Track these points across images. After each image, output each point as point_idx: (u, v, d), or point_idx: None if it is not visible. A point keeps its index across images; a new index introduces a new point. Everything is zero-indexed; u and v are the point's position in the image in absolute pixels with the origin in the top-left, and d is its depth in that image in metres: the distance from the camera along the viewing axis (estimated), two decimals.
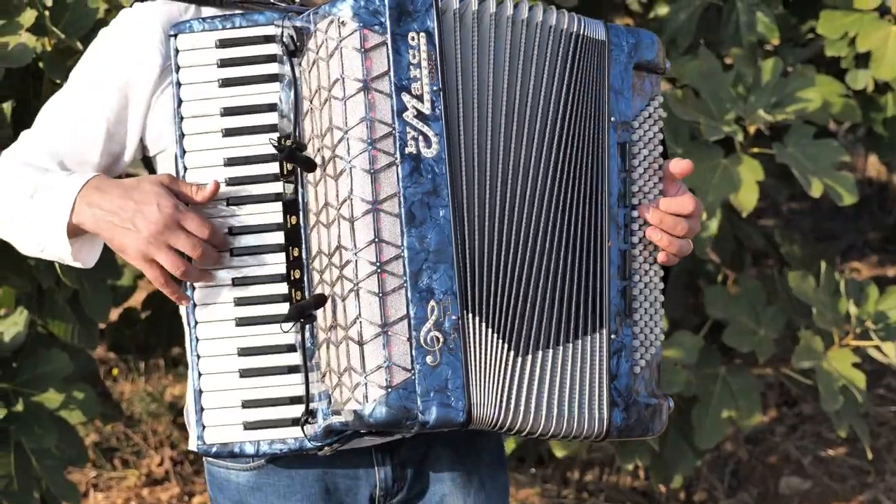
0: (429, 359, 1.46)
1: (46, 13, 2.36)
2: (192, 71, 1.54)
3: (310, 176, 1.51)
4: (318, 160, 1.49)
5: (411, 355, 1.46)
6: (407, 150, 1.46)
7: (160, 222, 1.47)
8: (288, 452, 1.57)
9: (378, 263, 1.45)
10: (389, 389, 1.45)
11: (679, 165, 1.61)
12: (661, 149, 1.62)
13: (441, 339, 1.47)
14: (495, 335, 1.50)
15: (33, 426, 2.57)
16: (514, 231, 1.52)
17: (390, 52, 1.46)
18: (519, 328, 1.52)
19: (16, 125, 2.47)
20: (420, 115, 1.47)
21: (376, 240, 1.45)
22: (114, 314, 3.61)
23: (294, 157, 1.48)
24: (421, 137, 1.47)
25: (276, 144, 1.48)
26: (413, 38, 1.47)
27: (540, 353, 1.53)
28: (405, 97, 1.46)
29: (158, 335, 3.72)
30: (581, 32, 1.57)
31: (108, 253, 2.63)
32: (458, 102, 1.49)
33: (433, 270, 1.46)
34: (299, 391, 1.54)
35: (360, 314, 1.46)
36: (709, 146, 3.03)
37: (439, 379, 1.46)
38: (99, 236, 1.56)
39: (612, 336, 1.56)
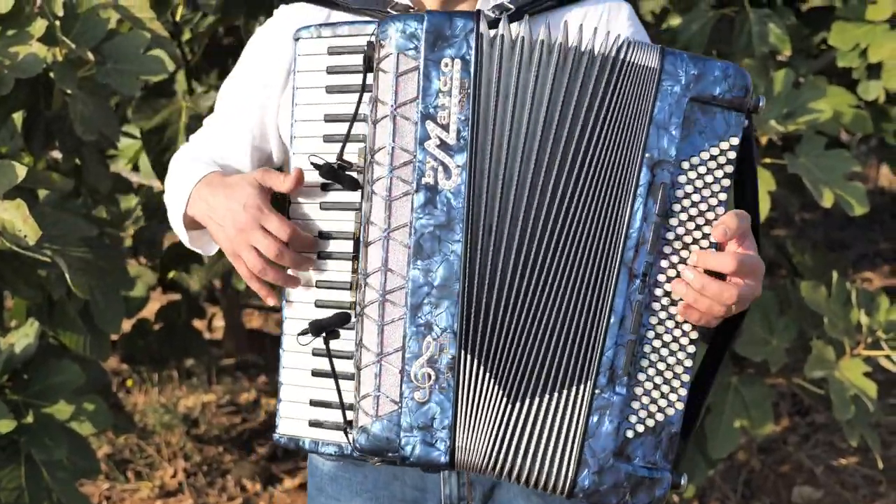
0: (417, 394, 1.45)
1: (57, 23, 2.33)
2: (307, 76, 1.56)
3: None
4: (360, 179, 1.49)
5: (400, 388, 1.44)
6: (423, 180, 1.43)
7: (243, 223, 1.53)
8: (330, 455, 1.57)
9: (382, 292, 1.44)
10: (374, 419, 1.45)
11: (724, 227, 1.40)
12: (723, 195, 1.43)
13: (433, 377, 1.44)
14: (491, 379, 1.45)
15: (44, 438, 2.53)
16: (522, 272, 1.44)
17: (421, 77, 1.42)
18: (514, 374, 1.45)
19: (26, 135, 2.45)
20: (443, 145, 1.42)
21: (383, 268, 1.44)
22: (127, 325, 3.58)
23: (336, 176, 1.48)
24: (441, 168, 1.43)
25: (314, 162, 1.49)
26: (447, 65, 1.43)
27: (528, 401, 1.45)
28: (429, 125, 1.42)
29: (172, 346, 3.70)
30: (625, 59, 1.43)
31: (117, 263, 2.61)
32: (490, 133, 1.43)
33: (435, 306, 1.43)
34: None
35: (361, 339, 1.46)
36: None
37: (426, 416, 1.45)
38: (208, 229, 1.64)
39: (597, 391, 1.44)
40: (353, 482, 1.74)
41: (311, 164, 1.50)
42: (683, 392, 1.45)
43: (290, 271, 1.57)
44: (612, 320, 1.43)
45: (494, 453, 1.45)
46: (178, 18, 3.12)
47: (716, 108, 1.42)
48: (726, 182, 1.43)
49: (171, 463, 3.89)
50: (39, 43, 2.26)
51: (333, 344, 1.54)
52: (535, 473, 1.46)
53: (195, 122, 3.03)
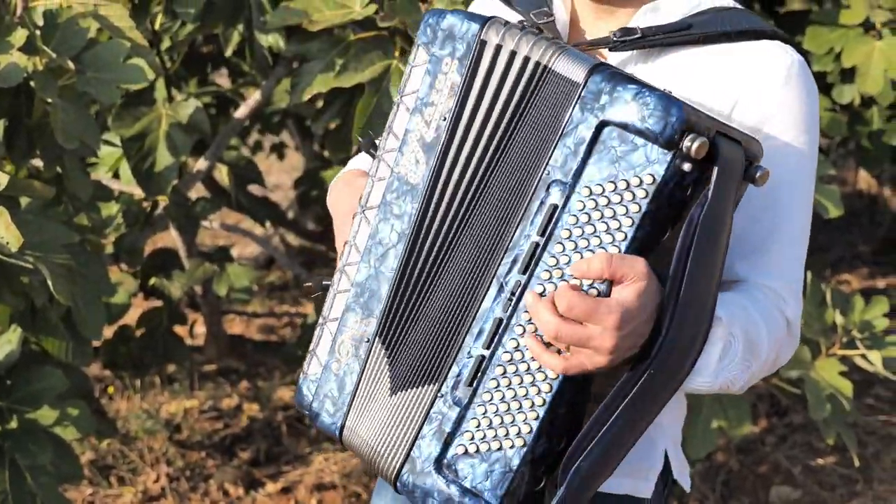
0: (334, 365, 1.54)
1: (37, 32, 2.36)
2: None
3: None
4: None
5: (328, 355, 1.55)
6: (397, 169, 1.49)
7: (345, 216, 1.59)
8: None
9: (343, 263, 1.54)
10: (304, 377, 1.59)
11: (585, 263, 1.29)
12: (620, 235, 1.30)
13: (350, 353, 1.53)
14: (388, 370, 1.49)
15: (28, 443, 2.56)
16: (431, 267, 1.45)
17: (426, 71, 1.47)
18: (403, 368, 1.47)
19: (7, 144, 2.48)
20: (420, 140, 1.47)
21: (351, 241, 1.54)
22: (108, 332, 3.60)
23: (367, 151, 1.57)
24: (414, 161, 1.48)
25: (360, 137, 1.62)
26: (447, 64, 1.44)
27: (399, 392, 1.47)
28: (417, 119, 1.47)
29: (153, 352, 3.72)
30: (551, 67, 1.37)
31: (99, 270, 2.63)
32: (459, 137, 1.43)
33: (374, 289, 1.51)
34: None
35: (325, 304, 1.56)
36: None
37: (336, 388, 1.54)
38: None
39: (440, 395, 1.42)
40: None
41: (359, 137, 1.61)
42: (527, 431, 1.36)
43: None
44: (471, 328, 1.40)
45: (370, 440, 1.50)
46: (157, 27, 3.15)
47: (636, 138, 1.29)
48: (628, 222, 1.29)
49: (154, 468, 3.91)
50: (20, 52, 2.29)
51: None
52: (373, 456, 1.50)
53: (175, 130, 3.07)
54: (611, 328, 1.28)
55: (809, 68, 1.53)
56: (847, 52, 3.22)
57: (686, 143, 1.26)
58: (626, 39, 1.50)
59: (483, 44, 1.42)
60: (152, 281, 3.74)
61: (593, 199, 1.31)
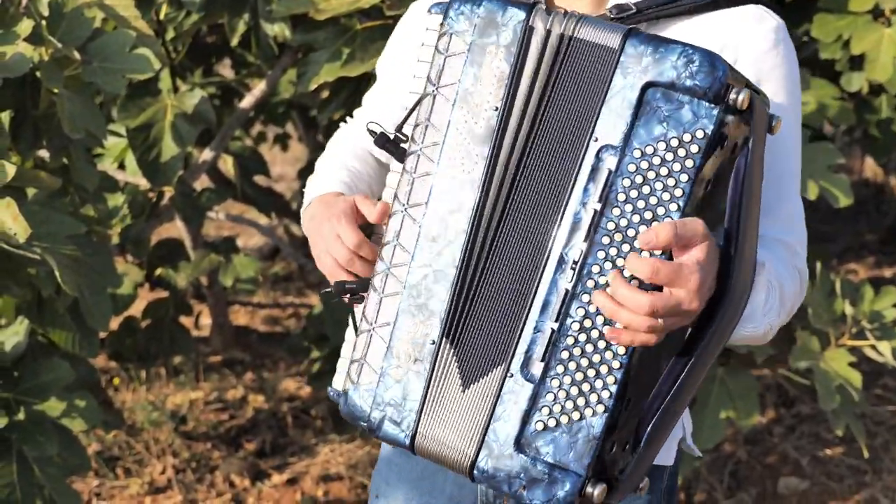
0: (395, 371, 1.46)
1: (43, 23, 2.36)
2: (428, 50, 1.50)
3: None
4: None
5: (383, 362, 1.47)
6: (445, 164, 1.45)
7: (325, 234, 1.57)
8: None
9: (389, 264, 1.48)
10: (355, 386, 1.49)
11: (653, 233, 1.29)
12: (678, 192, 1.32)
13: (412, 358, 1.46)
14: (456, 366, 1.45)
15: (35, 435, 2.56)
16: (489, 256, 1.44)
17: (467, 61, 1.43)
18: (472, 361, 1.45)
19: (14, 135, 2.48)
20: (469, 132, 1.43)
21: (394, 241, 1.47)
22: (114, 323, 3.61)
23: (384, 145, 1.52)
24: (462, 154, 1.44)
25: (370, 129, 1.53)
26: (491, 52, 1.42)
27: (471, 385, 1.45)
28: (462, 109, 1.43)
29: (159, 343, 3.72)
30: (586, 37, 1.38)
31: (106, 261, 2.63)
32: (517, 125, 1.42)
33: (432, 287, 1.45)
34: None
35: (364, 307, 1.50)
36: None
37: (398, 395, 1.47)
38: None
39: (509, 375, 1.41)
40: (402, 469, 1.78)
41: (368, 130, 1.53)
42: (607, 396, 1.36)
43: None
44: (534, 304, 1.39)
45: (444, 438, 1.45)
46: (161, 17, 3.15)
47: (682, 96, 1.32)
48: (685, 178, 1.31)
49: (160, 460, 3.92)
50: (26, 43, 2.29)
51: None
52: (446, 452, 1.46)
53: (180, 120, 3.06)
54: (694, 290, 1.30)
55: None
56: (856, 40, 3.21)
57: (732, 95, 1.31)
58: (623, 16, 1.54)
59: (532, 30, 1.41)
60: (158, 272, 3.74)
61: (646, 160, 1.33)
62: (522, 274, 1.41)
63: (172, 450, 3.97)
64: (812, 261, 3.31)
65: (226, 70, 5.03)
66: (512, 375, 1.41)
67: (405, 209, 1.46)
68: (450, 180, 1.44)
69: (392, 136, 1.51)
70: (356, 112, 1.88)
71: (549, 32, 1.40)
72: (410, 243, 1.46)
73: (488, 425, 1.42)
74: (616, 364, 1.36)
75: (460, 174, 1.43)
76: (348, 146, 1.83)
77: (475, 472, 1.43)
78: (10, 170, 2.15)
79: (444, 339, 1.44)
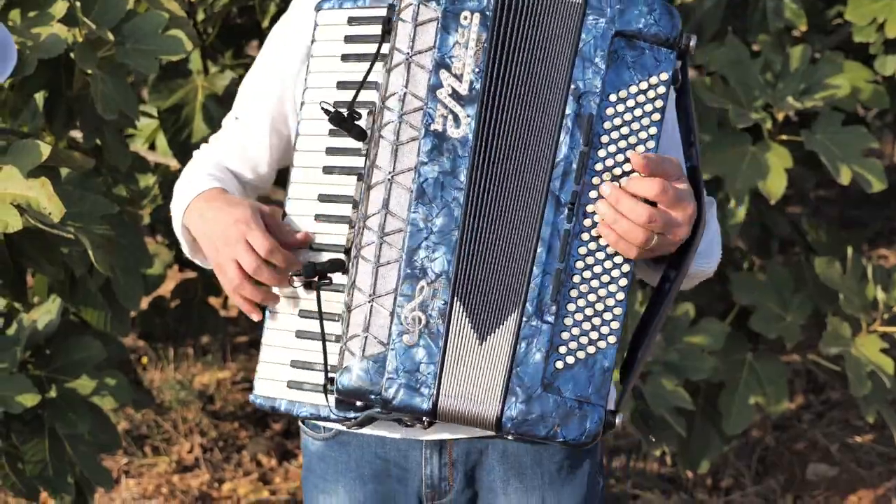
0: (406, 338, 1.46)
1: (77, 4, 2.37)
2: (323, 45, 1.61)
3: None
4: (368, 132, 1.53)
5: (389, 330, 1.47)
6: (432, 127, 1.47)
7: (230, 236, 1.56)
8: (311, 418, 1.61)
9: (381, 233, 1.47)
10: (361, 359, 1.47)
11: (644, 156, 1.44)
12: (654, 130, 1.46)
13: (423, 321, 1.46)
14: (469, 323, 1.47)
15: (67, 412, 2.59)
16: (487, 211, 1.48)
17: (439, 28, 1.47)
18: (484, 315, 1.48)
19: (48, 115, 2.50)
20: (454, 94, 1.47)
21: (384, 210, 1.47)
22: (144, 303, 3.64)
23: (342, 124, 1.52)
24: (451, 116, 1.47)
25: (324, 108, 1.53)
26: (465, 18, 1.47)
27: (486, 339, 1.48)
28: (443, 74, 1.47)
29: (188, 323, 3.76)
30: None
31: (137, 241, 2.66)
32: (500, 86, 1.47)
33: (432, 251, 1.46)
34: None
35: (354, 281, 1.48)
36: (737, 133, 3.03)
37: (412, 361, 1.46)
38: (201, 244, 1.65)
39: (524, 319, 1.46)
40: (338, 461, 1.75)
41: (322, 109, 1.53)
42: (616, 325, 1.47)
43: (274, 289, 1.61)
44: (539, 248, 1.46)
45: (468, 394, 1.47)
46: None
47: (643, 43, 1.46)
48: (657, 117, 1.46)
49: (188, 438, 3.96)
50: (60, 24, 2.31)
51: (327, 306, 1.56)
52: (471, 407, 1.47)
53: (211, 102, 3.09)
54: (689, 215, 1.47)
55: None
56: (890, 22, 3.18)
57: (684, 41, 1.47)
58: None
59: None
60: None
61: (622, 104, 1.46)
62: (524, 222, 1.47)
63: (200, 429, 4.01)
64: (843, 246, 3.32)
65: (256, 52, 5.05)
66: (527, 319, 1.46)
67: (391, 177, 1.47)
68: (441, 142, 1.47)
69: (346, 114, 1.53)
70: (212, 138, 1.86)
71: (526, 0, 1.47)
72: (402, 210, 1.47)
73: (511, 372, 1.46)
74: (620, 296, 1.47)
75: (451, 135, 1.47)
76: (210, 162, 1.80)
77: (504, 420, 1.46)
78: (45, 150, 2.17)
79: (454, 297, 1.46)
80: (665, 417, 3.00)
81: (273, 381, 1.60)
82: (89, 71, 2.36)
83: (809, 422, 4.04)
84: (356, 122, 1.53)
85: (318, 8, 1.61)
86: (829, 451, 3.87)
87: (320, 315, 1.53)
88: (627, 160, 1.46)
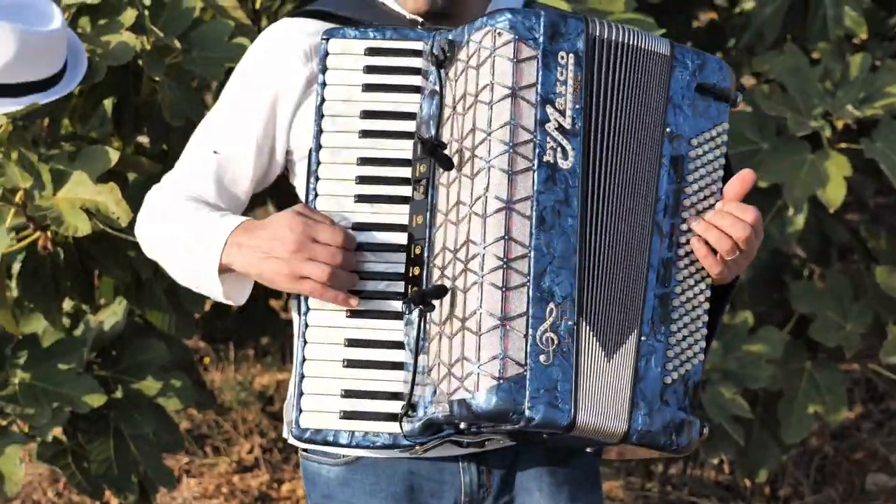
0: (542, 358, 1.48)
1: (146, 13, 2.42)
2: (338, 73, 1.60)
3: (442, 178, 1.55)
4: (455, 161, 1.53)
5: (525, 351, 1.47)
6: (545, 159, 1.50)
7: (294, 241, 1.52)
8: (380, 446, 1.57)
9: (505, 259, 1.48)
10: (501, 381, 1.46)
11: (741, 180, 1.59)
12: (721, 173, 1.61)
13: (555, 341, 1.49)
14: (596, 341, 1.52)
15: (132, 413, 2.63)
16: (604, 236, 1.55)
17: (540, 66, 1.51)
18: (608, 333, 1.54)
19: (116, 121, 2.54)
20: (560, 129, 1.52)
21: (506, 237, 1.48)
22: (206, 305, 3.67)
23: (435, 153, 1.53)
24: (559, 149, 1.52)
25: (422, 138, 1.54)
26: (562, 58, 1.53)
27: (613, 355, 1.54)
28: (549, 109, 1.51)
29: (250, 326, 3.78)
30: (642, 46, 1.59)
31: None
32: (597, 122, 1.55)
33: (556, 275, 1.50)
34: (400, 387, 1.55)
35: (480, 305, 1.48)
36: (796, 141, 3.00)
37: (549, 379, 1.48)
38: (248, 275, 1.61)
39: (643, 338, 1.55)
40: (364, 483, 1.72)
41: (419, 138, 1.55)
42: (703, 344, 1.60)
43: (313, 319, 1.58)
44: (650, 274, 1.56)
45: (604, 411, 1.52)
46: (257, 6, 3.19)
47: (710, 96, 1.62)
48: (722, 160, 1.62)
49: (248, 439, 3.99)
50: (129, 32, 2.35)
51: (366, 334, 1.56)
52: (603, 420, 1.51)
53: None
54: (759, 239, 1.62)
55: None
56: None
57: (736, 97, 1.65)
58: None
59: (594, 40, 1.56)
60: None
61: (700, 148, 1.61)
62: (635, 249, 1.56)
63: (260, 429, 4.04)
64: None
65: None
66: (645, 338, 1.56)
67: (509, 205, 1.49)
68: (553, 172, 1.51)
69: (436, 143, 1.53)
70: (171, 177, 1.77)
71: (608, 41, 1.57)
72: (524, 236, 1.49)
73: (635, 387, 1.54)
74: (705, 317, 1.61)
75: (561, 165, 1.51)
76: (190, 201, 1.70)
77: (631, 432, 1.53)
78: (114, 155, 2.21)
79: (580, 318, 1.51)
80: (723, 426, 2.99)
81: (322, 413, 1.57)
82: (157, 78, 2.40)
83: (869, 431, 3.99)
84: (443, 152, 1.54)
85: (329, 36, 1.61)
86: (888, 460, 3.82)
87: (417, 343, 1.54)
88: (706, 198, 1.60)
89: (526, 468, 1.74)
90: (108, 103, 2.55)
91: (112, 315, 2.72)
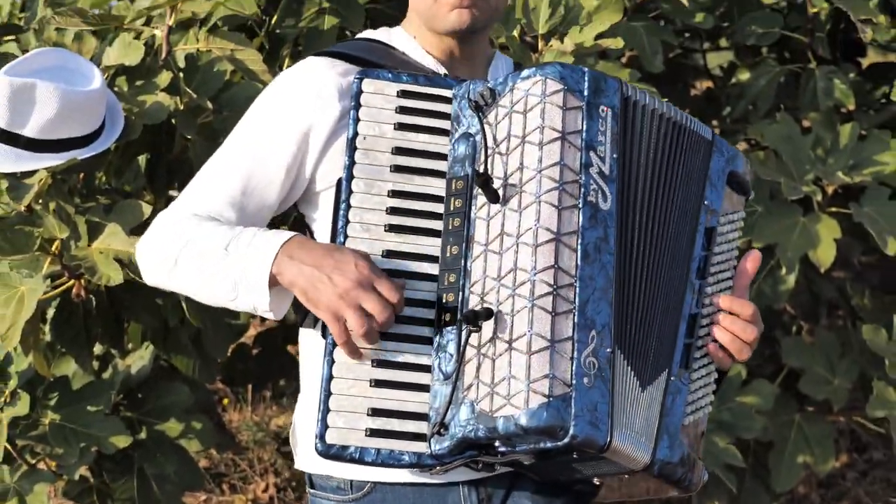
0: (585, 380, 1.48)
1: (180, 75, 2.40)
2: (371, 111, 1.62)
3: (480, 212, 1.57)
4: (500, 194, 1.55)
5: (571, 373, 1.48)
6: (589, 198, 1.54)
7: (356, 279, 1.50)
8: (405, 465, 1.54)
9: (554, 286, 1.50)
10: (550, 398, 1.46)
11: (754, 259, 1.70)
12: (736, 252, 1.71)
13: (596, 366, 1.50)
14: (631, 370, 1.54)
15: (155, 453, 2.59)
16: (641, 278, 1.59)
17: (585, 115, 1.56)
18: (643, 366, 1.57)
19: (149, 176, 2.51)
20: (601, 173, 1.56)
21: (555, 266, 1.50)
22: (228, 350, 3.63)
23: (486, 186, 1.54)
24: (600, 191, 1.56)
25: (479, 173, 1.55)
26: (603, 111, 1.58)
27: (647, 386, 1.57)
28: (592, 155, 1.56)
29: (268, 370, 3.74)
30: (689, 127, 1.68)
31: None
32: (630, 172, 1.59)
33: (597, 304, 1.52)
34: (425, 409, 1.53)
35: (531, 328, 1.48)
36: (788, 205, 2.99)
37: (590, 401, 1.48)
38: (293, 288, 1.55)
39: (672, 377, 1.60)
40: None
41: (476, 173, 1.55)
42: (712, 397, 1.67)
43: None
44: (681, 324, 1.63)
45: (635, 437, 1.53)
46: (284, 68, 3.18)
47: (735, 185, 1.73)
48: (738, 242, 1.73)
49: (263, 478, 3.93)
50: (164, 93, 2.33)
51: (395, 356, 1.54)
52: (632, 446, 1.52)
53: None
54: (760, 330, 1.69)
55: None
56: None
57: (750, 192, 1.78)
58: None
59: (627, 99, 1.61)
60: None
61: (727, 225, 1.71)
62: (671, 297, 1.62)
63: (275, 469, 3.99)
64: (886, 311, 3.24)
65: None
66: (674, 378, 1.60)
67: (558, 237, 1.51)
68: (594, 212, 1.54)
69: (487, 177, 1.53)
70: (191, 195, 1.69)
71: (636, 103, 1.62)
72: (570, 267, 1.51)
73: (661, 419, 1.57)
74: (715, 373, 1.68)
75: (601, 206, 1.55)
76: (208, 220, 1.64)
77: (654, 461, 1.55)
78: (146, 209, 2.19)
79: (615, 346, 1.52)
80: (717, 473, 2.94)
81: (348, 430, 1.53)
82: (189, 136, 2.37)
83: (853, 480, 3.93)
84: (491, 186, 1.55)
85: (364, 76, 1.62)
86: None
87: (460, 361, 1.51)
88: (725, 269, 1.70)
89: (522, 495, 1.70)
90: (141, 159, 2.53)
91: (139, 359, 2.68)
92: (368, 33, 1.84)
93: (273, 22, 2.74)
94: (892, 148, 3.09)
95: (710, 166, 1.70)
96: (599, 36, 2.50)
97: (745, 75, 3.41)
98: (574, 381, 1.48)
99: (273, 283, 1.56)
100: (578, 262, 1.52)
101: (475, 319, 1.50)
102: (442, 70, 1.75)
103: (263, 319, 3.89)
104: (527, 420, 1.46)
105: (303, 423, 1.71)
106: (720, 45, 3.92)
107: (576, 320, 1.50)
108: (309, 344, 1.72)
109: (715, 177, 1.70)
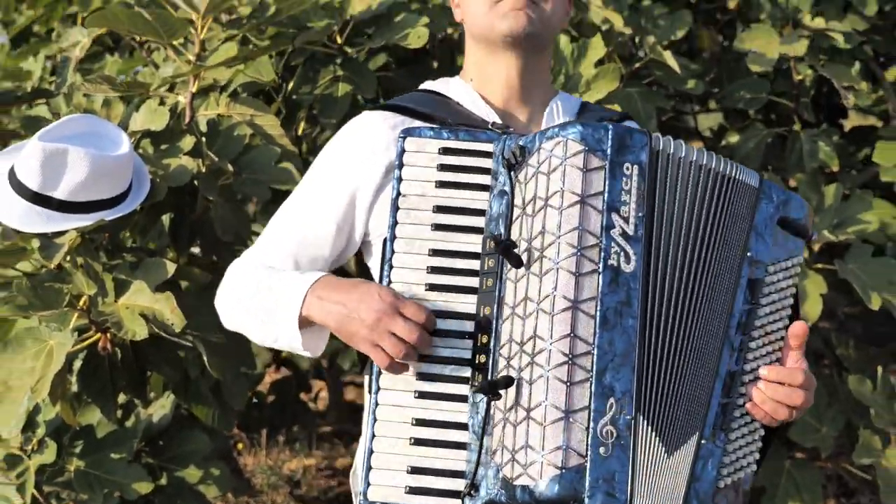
0: (601, 450, 1.44)
1: (203, 139, 2.41)
2: (413, 169, 1.58)
3: (510, 273, 1.52)
4: (524, 259, 1.50)
5: (587, 443, 1.44)
6: (609, 262, 1.47)
7: (381, 310, 1.50)
8: None
9: (570, 356, 1.45)
10: (563, 470, 1.43)
11: (799, 326, 1.57)
12: (791, 301, 1.59)
13: (614, 434, 1.44)
14: (656, 437, 1.47)
15: (175, 499, 2.57)
16: (670, 341, 1.50)
17: (607, 175, 1.48)
18: (670, 431, 1.49)
19: (173, 235, 2.52)
20: (624, 234, 1.48)
21: (571, 334, 1.45)
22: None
23: (508, 253, 1.49)
24: (623, 253, 1.48)
25: (496, 237, 1.51)
26: (627, 168, 1.49)
27: (674, 452, 1.49)
28: (614, 216, 1.48)
29: (282, 417, 3.72)
30: (732, 175, 1.57)
31: (244, 344, 2.65)
32: (658, 231, 1.51)
33: (616, 371, 1.45)
34: (462, 466, 1.51)
35: (546, 398, 1.45)
36: None
37: (608, 470, 1.44)
38: (327, 327, 1.58)
39: (703, 441, 1.51)
40: None
41: (492, 238, 1.52)
42: (757, 455, 1.56)
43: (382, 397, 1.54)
44: (717, 384, 1.53)
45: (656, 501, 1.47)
46: (300, 133, 3.20)
47: (790, 230, 1.60)
48: (793, 290, 1.59)
49: None
50: (187, 156, 2.34)
51: (433, 415, 1.53)
52: None
53: None
54: (812, 390, 1.58)
55: None
56: None
57: (812, 236, 1.64)
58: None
59: (658, 153, 1.52)
60: (284, 354, 3.75)
61: (776, 275, 1.59)
62: (705, 356, 1.52)
63: None
64: (870, 361, 3.23)
65: None
66: (706, 441, 1.51)
67: (575, 305, 1.45)
68: (615, 275, 1.47)
69: (510, 244, 1.50)
70: (259, 245, 1.76)
71: (669, 155, 1.53)
72: (588, 334, 1.45)
73: (690, 486, 1.49)
74: (761, 430, 1.57)
75: (624, 269, 1.47)
76: (264, 269, 1.69)
77: None
78: (170, 268, 2.19)
79: (637, 413, 1.45)
80: None
81: (389, 487, 1.53)
82: (210, 197, 2.38)
83: None
84: (514, 251, 1.51)
85: (407, 134, 1.59)
86: None
87: (483, 427, 1.50)
88: (774, 321, 1.57)
89: None
90: (165, 218, 2.53)
91: (161, 408, 2.67)
92: (428, 84, 1.82)
93: (290, 88, 2.77)
94: (875, 207, 3.09)
95: (757, 215, 1.58)
96: (598, 102, 2.52)
97: (734, 137, 3.42)
98: (589, 452, 1.43)
99: (306, 323, 1.58)
100: (596, 329, 1.45)
101: (494, 388, 1.47)
102: (494, 117, 1.71)
103: (278, 367, 3.89)
104: (541, 491, 1.43)
105: (358, 469, 1.70)
106: (710, 107, 3.94)
107: (592, 389, 1.44)
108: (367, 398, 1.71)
109: (762, 225, 1.58)
